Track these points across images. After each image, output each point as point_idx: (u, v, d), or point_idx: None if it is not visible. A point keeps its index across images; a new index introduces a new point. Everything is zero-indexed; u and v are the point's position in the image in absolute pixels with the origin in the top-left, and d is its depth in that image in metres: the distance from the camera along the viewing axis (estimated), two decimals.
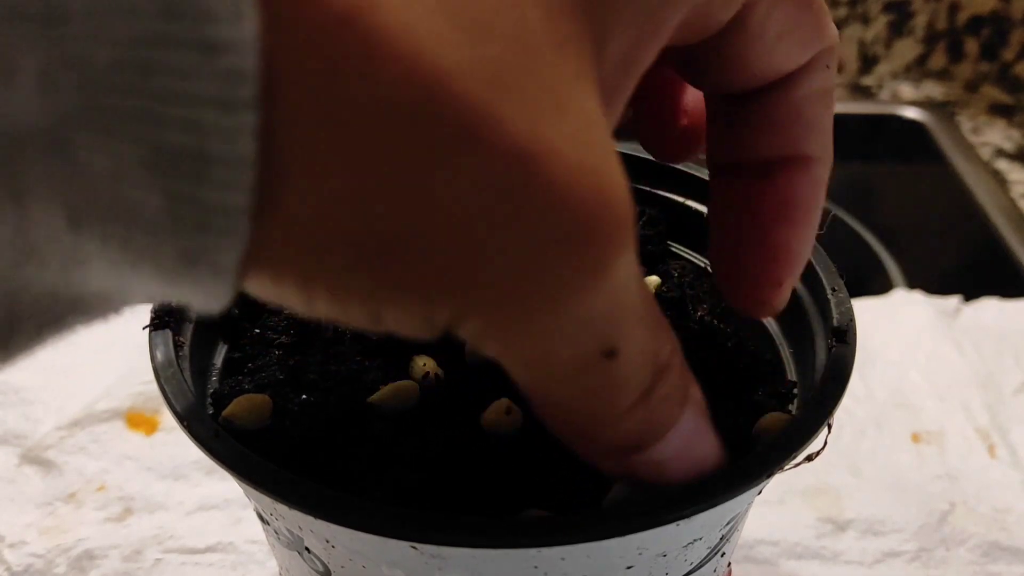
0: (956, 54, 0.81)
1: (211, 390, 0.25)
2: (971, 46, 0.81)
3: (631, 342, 0.16)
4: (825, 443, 0.22)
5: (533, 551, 0.19)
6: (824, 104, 0.20)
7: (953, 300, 0.51)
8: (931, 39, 0.81)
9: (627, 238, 0.15)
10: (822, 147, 0.20)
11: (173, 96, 0.12)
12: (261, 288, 0.15)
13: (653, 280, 0.28)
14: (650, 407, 0.17)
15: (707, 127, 0.22)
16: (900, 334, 0.49)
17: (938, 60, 0.82)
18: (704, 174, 0.30)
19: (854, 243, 0.61)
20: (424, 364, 0.25)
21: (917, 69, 0.82)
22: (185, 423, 0.21)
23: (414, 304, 0.14)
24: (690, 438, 0.18)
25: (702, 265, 0.30)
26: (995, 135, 0.75)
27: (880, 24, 0.80)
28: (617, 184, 0.14)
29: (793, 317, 0.26)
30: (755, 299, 0.21)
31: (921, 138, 0.75)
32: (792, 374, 0.26)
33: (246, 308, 0.26)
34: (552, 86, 0.14)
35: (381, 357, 0.26)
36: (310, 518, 0.19)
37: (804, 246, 0.21)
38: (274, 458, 0.20)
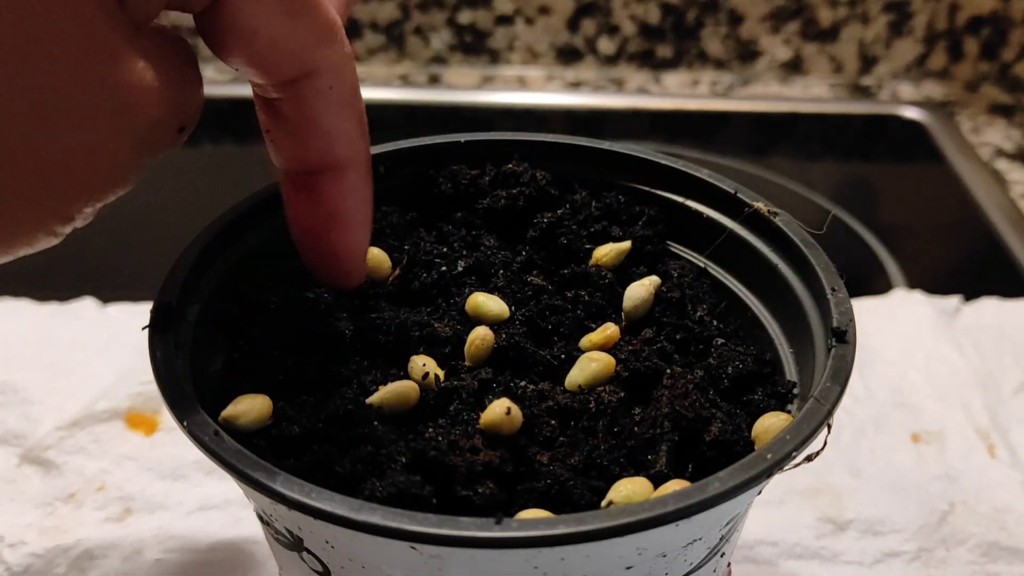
0: (956, 54, 0.81)
1: (211, 390, 0.25)
2: (971, 46, 0.81)
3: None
4: (825, 443, 0.22)
5: (533, 551, 0.19)
6: (337, 112, 0.23)
7: (953, 300, 0.51)
8: (931, 39, 0.81)
9: None
10: (349, 152, 0.24)
11: None
12: None
13: (653, 280, 0.28)
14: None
15: (265, 127, 0.24)
16: (900, 334, 0.49)
17: (938, 60, 0.82)
18: (704, 174, 0.30)
19: (854, 243, 0.61)
20: (424, 364, 0.25)
21: (917, 69, 0.82)
22: (185, 423, 0.21)
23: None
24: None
25: (702, 265, 0.30)
26: (995, 135, 0.75)
27: (880, 24, 0.80)
28: None
29: (793, 317, 0.26)
30: (333, 282, 0.26)
31: (921, 138, 0.75)
32: (792, 374, 0.26)
33: (246, 308, 0.26)
34: None
35: (380, 357, 0.26)
36: (310, 518, 0.19)
37: (356, 238, 0.25)
38: (274, 458, 0.20)
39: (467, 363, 0.26)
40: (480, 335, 0.26)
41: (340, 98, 0.23)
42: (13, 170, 0.18)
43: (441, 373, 0.25)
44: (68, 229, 0.19)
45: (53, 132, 0.18)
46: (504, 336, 0.26)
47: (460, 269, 0.29)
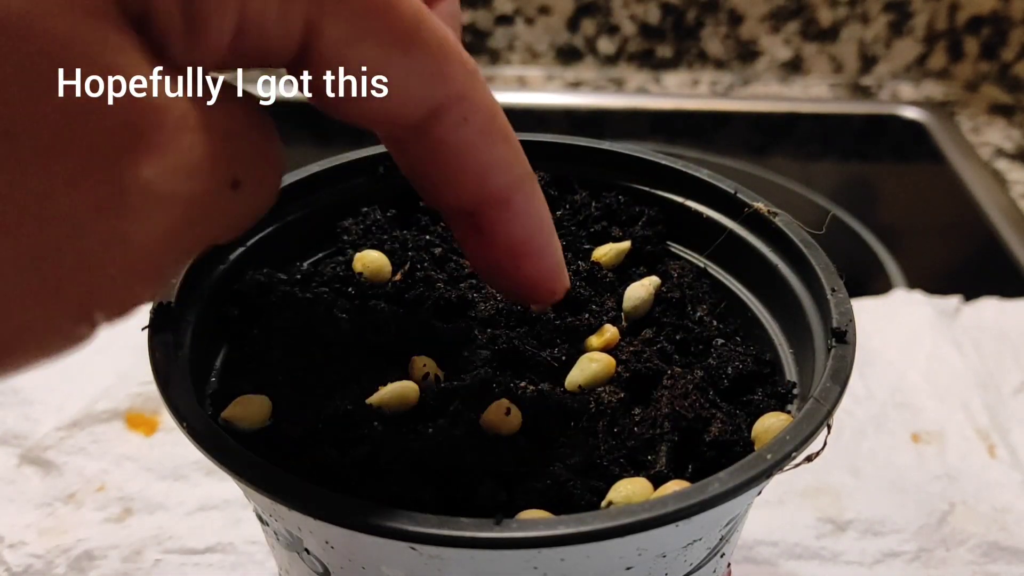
0: (956, 54, 0.81)
1: (211, 391, 0.25)
2: (971, 46, 0.81)
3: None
4: (825, 443, 0.22)
5: (533, 551, 0.19)
6: (481, 143, 0.20)
7: (953, 300, 0.51)
8: (931, 39, 0.81)
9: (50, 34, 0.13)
10: (507, 179, 0.20)
11: None
12: None
13: (653, 280, 0.28)
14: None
15: (408, 174, 0.21)
16: (900, 334, 0.49)
17: (938, 60, 0.82)
18: (704, 174, 0.30)
19: (854, 243, 0.61)
20: (424, 364, 0.25)
21: (917, 69, 0.82)
22: (185, 424, 0.21)
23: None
24: None
25: (702, 265, 0.30)
26: (995, 135, 0.75)
27: (880, 24, 0.80)
28: None
29: (793, 317, 0.26)
30: (542, 304, 0.24)
31: (921, 138, 0.75)
32: (792, 374, 0.26)
33: (246, 308, 0.26)
34: None
35: (380, 358, 0.26)
36: (309, 519, 0.19)
37: (549, 262, 0.22)
38: (274, 459, 0.20)
39: (467, 361, 0.26)
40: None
41: (479, 127, 0.19)
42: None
43: (441, 373, 0.25)
44: (89, 331, 0.16)
45: (38, 210, 0.14)
46: (505, 337, 0.26)
47: (467, 271, 0.29)
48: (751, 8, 0.80)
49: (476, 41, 0.81)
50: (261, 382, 0.24)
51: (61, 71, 0.13)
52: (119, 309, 0.16)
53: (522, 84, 0.81)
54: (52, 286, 0.14)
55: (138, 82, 0.14)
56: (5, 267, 0.14)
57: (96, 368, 0.45)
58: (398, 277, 0.29)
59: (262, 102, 0.18)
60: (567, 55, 0.82)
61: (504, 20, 0.80)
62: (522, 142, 0.31)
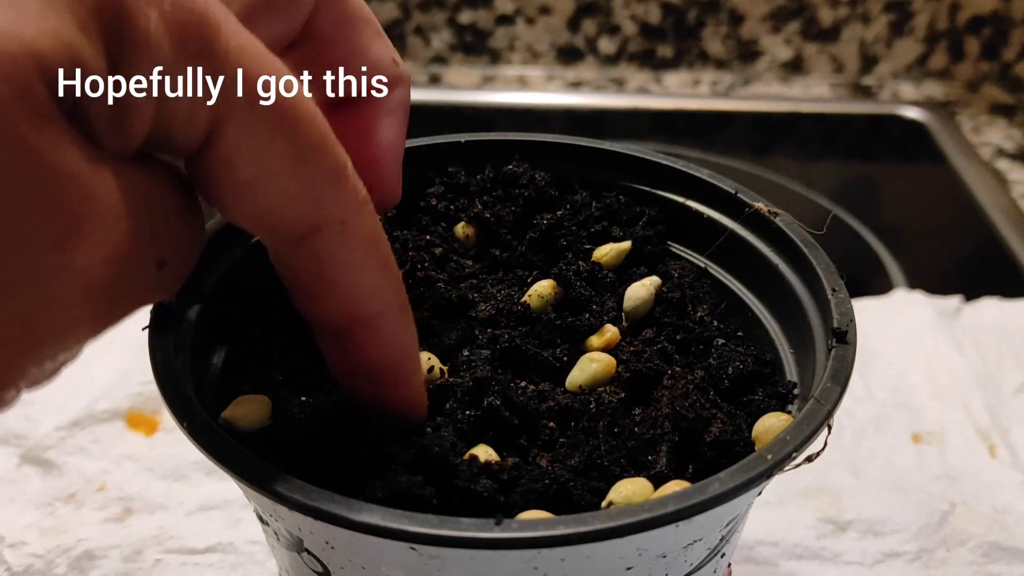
0: (957, 54, 0.81)
1: (211, 391, 0.25)
2: (972, 46, 0.81)
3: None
4: (825, 444, 0.22)
5: (533, 552, 0.19)
6: (357, 265, 0.20)
7: (954, 300, 0.51)
8: (932, 39, 0.80)
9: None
10: (378, 304, 0.21)
11: None
12: None
13: (653, 280, 0.28)
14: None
15: (283, 280, 0.22)
16: (900, 334, 0.48)
17: (939, 60, 0.82)
18: (704, 174, 0.30)
19: (854, 243, 0.61)
20: (428, 358, 0.25)
21: (918, 69, 0.82)
22: (185, 424, 0.21)
23: None
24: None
25: (702, 265, 0.30)
26: (996, 135, 0.75)
27: (881, 24, 0.80)
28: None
29: (793, 317, 0.26)
30: (402, 421, 0.23)
31: (922, 138, 0.75)
32: (792, 375, 0.26)
33: (246, 308, 0.26)
34: None
35: None
36: (309, 519, 0.19)
37: (408, 391, 0.22)
38: (274, 459, 0.20)
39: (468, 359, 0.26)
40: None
41: (358, 248, 0.20)
42: None
43: (445, 368, 0.25)
44: (17, 393, 0.16)
45: None
46: (505, 337, 0.26)
47: (467, 271, 0.29)
48: (752, 8, 0.80)
49: (477, 41, 0.81)
50: (261, 382, 0.24)
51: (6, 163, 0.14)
52: (40, 380, 0.16)
53: (523, 84, 0.81)
54: None
55: (71, 171, 0.15)
56: None
57: (97, 368, 0.45)
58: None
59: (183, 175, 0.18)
60: (568, 55, 0.82)
61: (505, 20, 0.80)
62: (523, 142, 0.31)
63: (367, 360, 0.21)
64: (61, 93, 0.15)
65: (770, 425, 0.23)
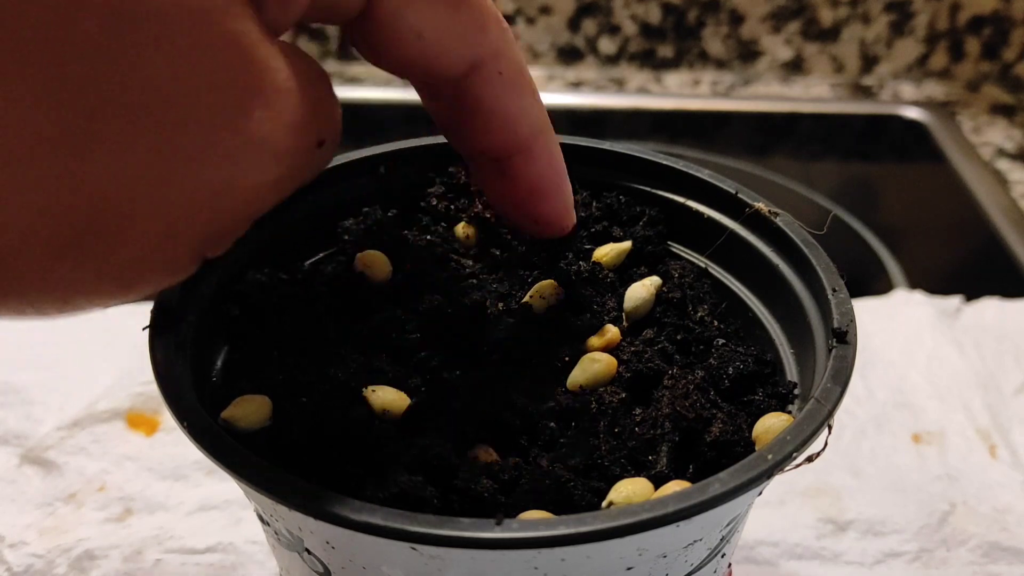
0: (957, 54, 0.81)
1: (211, 391, 0.25)
2: (972, 46, 0.81)
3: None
4: (825, 444, 0.22)
5: (533, 552, 0.19)
6: (512, 95, 0.22)
7: (954, 300, 0.51)
8: (932, 39, 0.80)
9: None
10: (533, 128, 0.23)
11: None
12: None
13: (654, 280, 0.28)
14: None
15: (439, 122, 0.24)
16: (901, 334, 0.48)
17: (939, 60, 0.82)
18: (705, 174, 0.30)
19: (855, 243, 0.61)
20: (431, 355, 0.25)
21: (918, 69, 0.82)
22: (185, 424, 0.21)
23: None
24: None
25: (702, 265, 0.30)
26: (996, 135, 0.75)
27: (881, 24, 0.80)
28: None
29: (793, 318, 0.26)
30: (553, 236, 0.25)
31: (922, 138, 0.75)
32: (793, 375, 0.26)
33: (247, 308, 0.26)
34: None
35: (381, 357, 0.26)
36: (310, 519, 0.19)
37: (564, 202, 0.24)
38: (274, 459, 0.20)
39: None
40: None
41: (511, 80, 0.22)
42: (137, 188, 0.15)
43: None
44: (196, 261, 0.18)
45: (184, 140, 0.15)
46: (506, 336, 0.26)
47: (467, 271, 0.29)
48: (752, 8, 0.80)
49: None
50: (261, 382, 0.24)
51: (201, 39, 0.15)
52: (224, 243, 0.18)
53: None
54: (172, 222, 0.16)
55: (255, 47, 0.16)
56: (133, 204, 0.15)
57: (97, 368, 0.45)
58: (398, 276, 0.29)
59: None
60: (568, 55, 0.82)
61: (505, 20, 0.81)
62: None
63: (529, 180, 0.23)
64: None
65: (770, 425, 0.23)
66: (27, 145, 0.14)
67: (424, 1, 0.20)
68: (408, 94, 0.78)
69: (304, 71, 0.18)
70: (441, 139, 0.31)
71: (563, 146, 0.31)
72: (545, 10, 0.80)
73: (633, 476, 0.22)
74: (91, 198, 0.15)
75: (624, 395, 0.24)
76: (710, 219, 0.30)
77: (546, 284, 0.28)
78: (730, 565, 0.27)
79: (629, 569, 0.21)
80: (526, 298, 0.28)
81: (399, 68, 0.21)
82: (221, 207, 0.17)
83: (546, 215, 0.24)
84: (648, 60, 0.82)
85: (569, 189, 0.25)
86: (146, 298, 0.18)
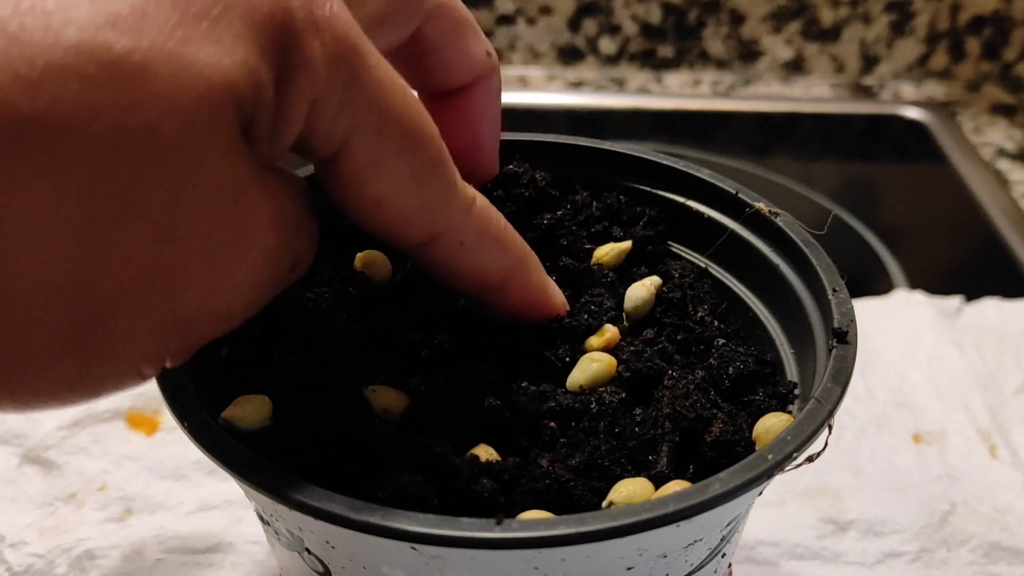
0: (957, 54, 0.81)
1: (211, 390, 0.25)
2: (972, 46, 0.81)
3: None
4: (826, 444, 0.22)
5: (534, 552, 0.19)
6: (474, 258, 0.23)
7: (954, 300, 0.51)
8: (932, 39, 0.80)
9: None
10: (503, 272, 0.24)
11: None
12: None
13: (654, 280, 0.28)
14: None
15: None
16: (901, 334, 0.48)
17: (939, 60, 0.82)
18: (705, 174, 0.30)
19: (855, 243, 0.61)
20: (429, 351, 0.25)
21: (918, 69, 0.82)
22: (185, 423, 0.21)
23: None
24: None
25: (703, 265, 0.30)
26: (996, 135, 0.75)
27: (881, 24, 0.80)
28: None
29: (794, 317, 0.26)
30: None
31: (922, 138, 0.75)
32: (793, 375, 0.26)
33: None
34: None
35: (381, 357, 0.26)
36: (310, 519, 0.19)
37: (552, 306, 0.26)
38: (274, 459, 0.20)
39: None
40: None
41: (473, 242, 0.22)
42: (123, 302, 0.17)
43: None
44: (156, 372, 0.19)
45: (169, 265, 0.17)
46: (506, 336, 0.26)
47: None
48: (752, 8, 0.80)
49: None
50: (261, 382, 0.24)
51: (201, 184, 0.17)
52: (183, 358, 0.19)
53: (523, 84, 0.81)
54: (150, 340, 0.18)
55: (245, 190, 0.18)
56: (124, 305, 0.17)
57: None
58: (398, 276, 0.29)
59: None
60: (568, 55, 0.82)
61: (505, 20, 0.80)
62: (523, 142, 0.31)
63: (509, 309, 0.25)
64: (245, 113, 0.17)
65: (771, 425, 0.23)
66: (46, 254, 0.16)
67: (390, 173, 0.20)
68: None
69: (290, 201, 0.19)
70: None
71: (563, 146, 0.32)
72: (545, 10, 0.80)
73: (633, 476, 0.22)
74: (90, 308, 0.16)
75: (624, 395, 0.24)
76: (710, 219, 0.30)
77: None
78: (730, 565, 0.27)
79: (629, 569, 0.21)
80: None
81: (358, 222, 0.21)
82: (192, 324, 0.18)
83: (537, 320, 0.26)
84: (648, 60, 0.82)
85: (552, 294, 0.26)
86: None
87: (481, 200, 0.23)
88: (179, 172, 0.16)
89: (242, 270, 0.18)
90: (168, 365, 0.19)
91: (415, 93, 0.23)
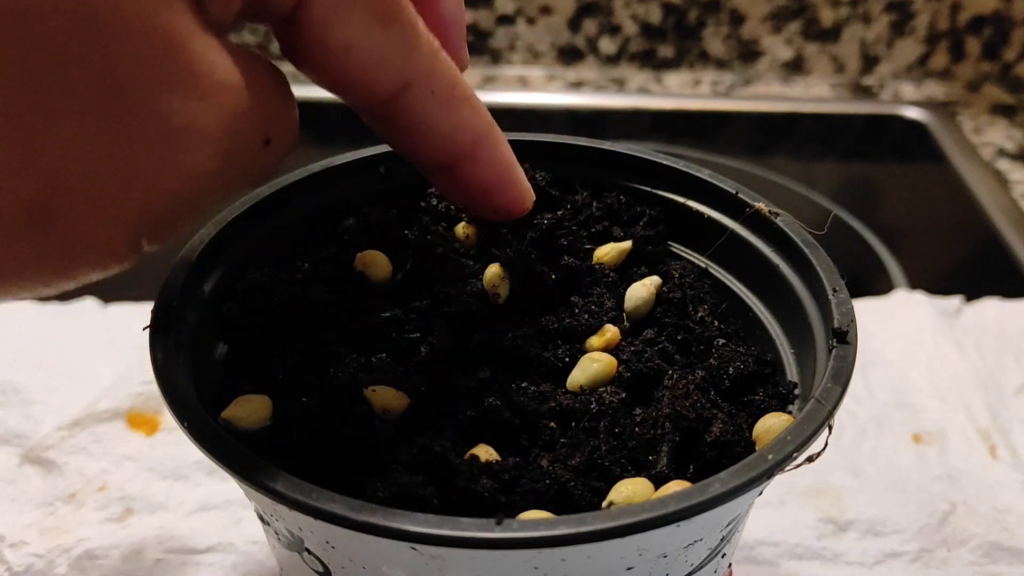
0: (957, 54, 0.81)
1: (211, 390, 0.25)
2: (972, 46, 0.81)
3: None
4: (826, 444, 0.22)
5: (534, 552, 0.19)
6: (446, 111, 0.22)
7: (954, 300, 0.51)
8: (932, 39, 0.80)
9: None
10: (473, 135, 0.23)
11: None
12: None
13: (654, 280, 0.28)
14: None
15: (381, 138, 0.24)
16: (901, 334, 0.48)
17: (939, 60, 0.82)
18: (705, 174, 0.30)
19: (855, 243, 0.61)
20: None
21: (918, 69, 0.82)
22: (185, 423, 0.21)
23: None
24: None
25: (702, 266, 0.30)
26: (996, 135, 0.75)
27: (881, 24, 0.80)
28: None
29: (794, 318, 0.26)
30: (515, 217, 0.26)
31: (922, 138, 0.75)
32: (793, 375, 0.26)
33: (247, 308, 0.26)
34: None
35: (381, 357, 0.26)
36: (310, 519, 0.19)
37: (517, 191, 0.25)
38: (274, 459, 0.20)
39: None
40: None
41: (444, 97, 0.22)
42: (75, 170, 0.16)
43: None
44: (134, 251, 0.18)
45: (119, 124, 0.16)
46: (507, 336, 0.26)
47: (467, 271, 0.29)
48: (752, 8, 0.80)
49: (477, 41, 0.81)
50: (261, 382, 0.24)
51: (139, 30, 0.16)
52: (162, 233, 0.18)
53: (523, 84, 0.81)
54: (112, 200, 0.17)
55: (190, 39, 0.17)
56: (79, 180, 0.16)
57: (97, 368, 0.45)
58: (399, 275, 0.29)
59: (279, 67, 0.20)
60: (568, 55, 0.82)
61: (505, 20, 0.80)
62: (524, 142, 0.31)
63: (478, 183, 0.24)
64: None
65: (771, 425, 0.23)
66: None
67: (355, 14, 0.19)
68: None
69: (252, 69, 0.18)
70: None
71: (563, 146, 0.32)
72: (545, 10, 0.80)
73: (633, 476, 0.22)
74: (40, 176, 0.16)
75: (624, 395, 0.24)
76: (710, 219, 0.30)
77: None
78: (730, 565, 0.27)
79: (629, 569, 0.21)
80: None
81: (328, 82, 0.21)
82: (156, 188, 0.17)
83: (504, 206, 0.25)
84: (648, 60, 0.82)
85: (521, 175, 0.25)
86: (80, 290, 0.19)
87: (444, 53, 0.22)
88: (114, 29, 0.16)
89: (203, 126, 0.17)
90: (146, 247, 0.18)
91: None
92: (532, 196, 0.25)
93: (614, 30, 0.81)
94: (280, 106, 0.20)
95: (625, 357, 0.25)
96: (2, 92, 0.15)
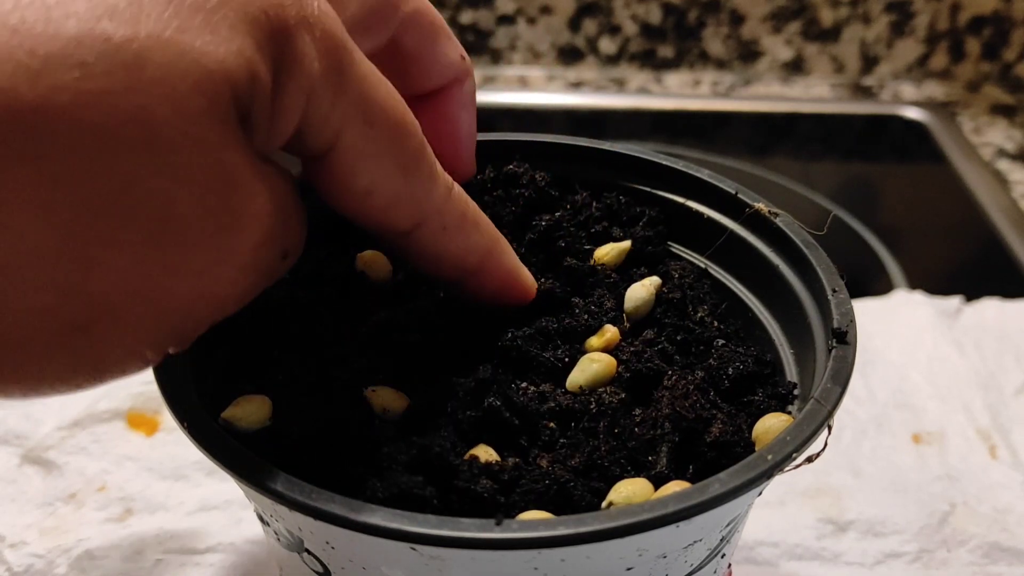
0: (957, 54, 0.81)
1: (211, 390, 0.25)
2: (972, 46, 0.81)
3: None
4: (825, 444, 0.22)
5: (533, 552, 0.19)
6: (456, 242, 0.24)
7: (954, 300, 0.51)
8: (932, 39, 0.80)
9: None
10: (482, 254, 0.25)
11: None
12: None
13: (654, 280, 0.28)
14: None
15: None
16: (901, 335, 0.48)
17: (939, 60, 0.82)
18: (705, 175, 0.30)
19: (855, 244, 0.61)
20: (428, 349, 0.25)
21: (918, 69, 0.82)
22: (185, 424, 0.21)
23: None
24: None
25: (703, 266, 0.30)
26: (996, 135, 0.75)
27: (881, 24, 0.80)
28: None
29: (794, 318, 0.26)
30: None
31: (922, 138, 0.75)
32: (793, 375, 0.26)
33: (247, 308, 0.26)
34: None
35: (381, 357, 0.26)
36: (310, 519, 0.19)
37: (523, 288, 0.26)
38: (274, 459, 0.20)
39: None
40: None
41: (455, 228, 0.23)
42: (118, 296, 0.17)
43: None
44: (159, 358, 0.19)
45: (165, 256, 0.17)
46: (506, 337, 0.26)
47: None
48: (752, 8, 0.80)
49: (477, 41, 0.81)
50: (261, 382, 0.24)
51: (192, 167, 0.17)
52: (187, 342, 0.19)
53: (523, 84, 0.81)
54: (148, 322, 0.18)
55: (242, 175, 0.18)
56: (121, 305, 0.17)
57: None
58: (399, 276, 0.29)
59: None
60: (568, 55, 0.82)
61: (505, 20, 0.80)
62: (523, 142, 0.31)
63: (486, 292, 0.26)
64: (242, 102, 0.18)
65: (770, 425, 0.23)
66: (39, 255, 0.16)
67: (379, 163, 0.21)
68: None
69: (280, 192, 0.20)
70: None
71: (563, 146, 0.32)
72: (545, 10, 0.80)
73: (633, 476, 0.22)
74: (88, 301, 0.17)
75: (624, 395, 0.24)
76: (710, 219, 0.30)
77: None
78: (730, 565, 0.27)
79: (629, 569, 0.21)
80: None
81: (347, 215, 0.22)
82: (188, 314, 0.19)
83: (511, 303, 0.26)
84: (648, 60, 0.82)
85: (524, 276, 0.26)
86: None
87: (457, 186, 0.24)
88: (173, 158, 0.17)
89: (236, 257, 0.19)
90: (171, 351, 0.19)
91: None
92: (535, 288, 0.27)
93: (614, 30, 0.81)
94: (297, 220, 0.21)
95: (625, 357, 0.25)
96: (69, 220, 0.16)
